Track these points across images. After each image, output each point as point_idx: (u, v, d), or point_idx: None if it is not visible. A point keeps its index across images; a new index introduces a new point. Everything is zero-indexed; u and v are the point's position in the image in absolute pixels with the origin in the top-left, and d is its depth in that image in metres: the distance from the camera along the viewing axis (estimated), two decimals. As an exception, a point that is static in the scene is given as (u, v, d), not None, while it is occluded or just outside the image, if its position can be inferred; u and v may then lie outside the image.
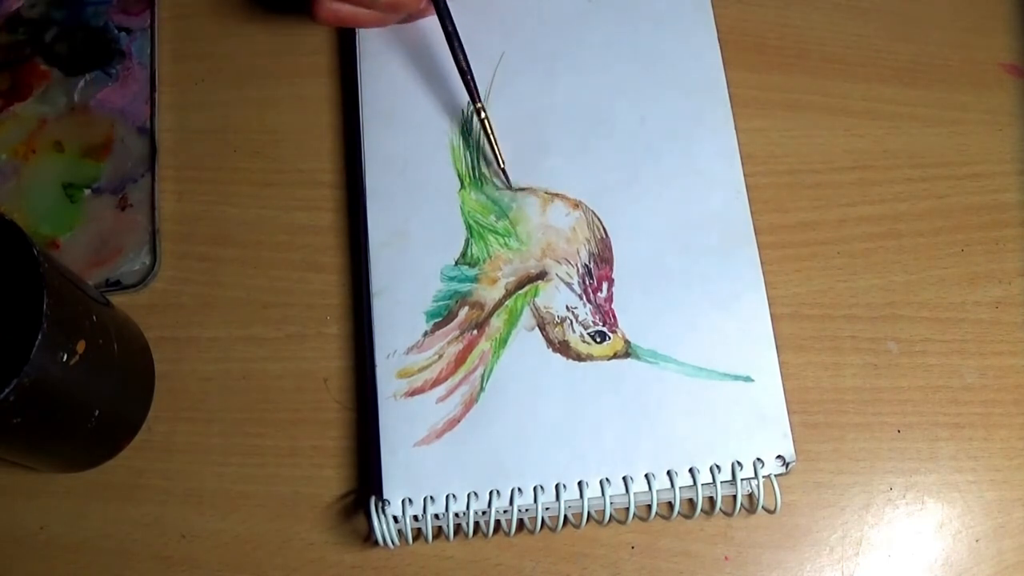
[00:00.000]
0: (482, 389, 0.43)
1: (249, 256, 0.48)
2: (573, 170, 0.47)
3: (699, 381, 0.43)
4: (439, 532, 0.42)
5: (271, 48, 0.51)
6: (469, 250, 0.46)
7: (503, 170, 0.46)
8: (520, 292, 0.45)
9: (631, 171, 0.47)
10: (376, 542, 0.41)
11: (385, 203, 0.46)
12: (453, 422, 0.43)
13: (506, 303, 0.45)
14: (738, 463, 0.42)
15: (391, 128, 0.48)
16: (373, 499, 0.41)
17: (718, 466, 0.42)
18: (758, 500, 0.42)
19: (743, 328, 0.44)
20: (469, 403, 0.43)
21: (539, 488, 0.42)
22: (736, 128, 0.47)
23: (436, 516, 0.42)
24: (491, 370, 0.44)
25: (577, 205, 0.46)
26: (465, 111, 0.48)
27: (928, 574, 0.43)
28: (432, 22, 0.47)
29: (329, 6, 0.46)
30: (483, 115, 0.46)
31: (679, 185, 0.46)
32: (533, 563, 0.43)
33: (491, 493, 0.42)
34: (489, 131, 0.46)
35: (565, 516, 0.42)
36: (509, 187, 0.46)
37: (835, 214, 0.48)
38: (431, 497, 0.42)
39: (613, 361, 0.44)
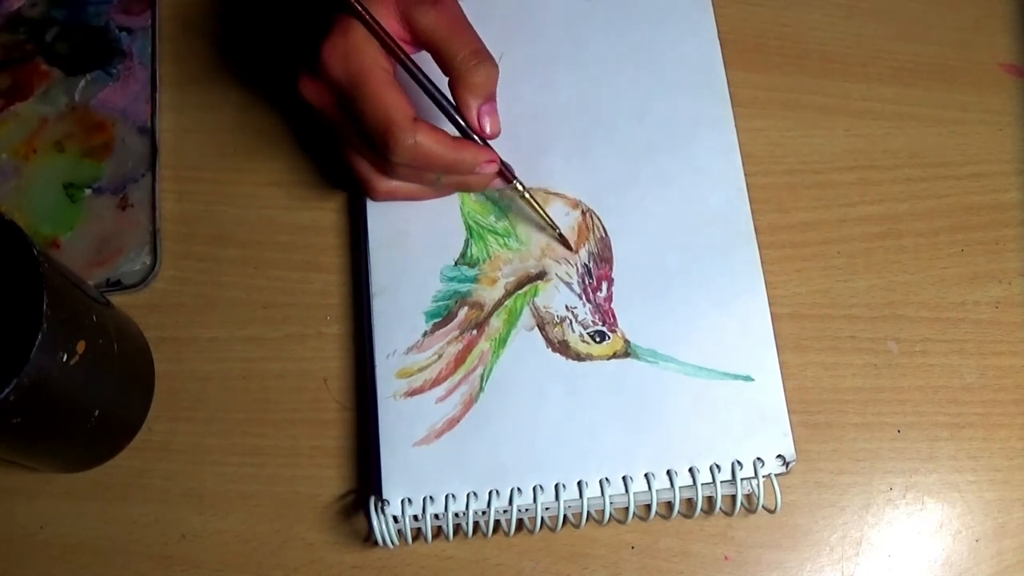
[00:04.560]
0: (481, 389, 0.43)
1: (249, 256, 0.48)
2: (573, 170, 0.47)
3: (699, 381, 0.43)
4: (439, 532, 0.42)
5: (272, 48, 0.51)
6: (469, 250, 0.46)
7: (560, 235, 0.45)
8: (520, 292, 0.45)
9: (631, 171, 0.47)
10: (376, 542, 0.41)
11: (385, 203, 0.46)
12: (453, 422, 0.43)
13: (506, 303, 0.45)
14: (738, 463, 0.42)
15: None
16: (373, 499, 0.42)
17: (718, 466, 0.42)
18: (758, 500, 0.42)
19: (743, 328, 0.44)
20: (468, 403, 0.43)
21: (539, 488, 0.42)
22: (736, 128, 0.47)
23: (436, 516, 0.42)
24: (491, 370, 0.44)
25: (577, 205, 0.46)
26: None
27: (928, 574, 0.43)
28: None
29: (385, 187, 0.44)
30: (524, 192, 0.44)
31: (679, 185, 0.46)
32: (533, 563, 0.43)
33: (491, 493, 0.42)
34: (536, 205, 0.45)
35: (565, 516, 0.42)
36: (571, 249, 0.45)
37: (835, 214, 0.48)
38: (431, 497, 0.42)
39: (613, 361, 0.44)
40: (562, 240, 0.45)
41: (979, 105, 0.50)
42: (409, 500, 0.42)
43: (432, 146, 0.41)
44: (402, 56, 0.41)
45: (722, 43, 0.49)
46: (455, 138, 0.42)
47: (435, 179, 0.44)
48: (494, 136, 0.43)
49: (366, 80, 0.40)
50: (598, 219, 0.46)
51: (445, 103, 0.42)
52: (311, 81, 0.42)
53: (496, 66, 0.42)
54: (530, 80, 0.48)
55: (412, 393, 0.43)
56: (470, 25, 0.42)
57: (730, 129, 0.48)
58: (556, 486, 0.42)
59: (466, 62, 0.41)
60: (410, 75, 0.41)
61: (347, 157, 0.44)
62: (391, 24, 0.41)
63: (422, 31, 0.41)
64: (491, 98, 0.42)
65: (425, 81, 0.41)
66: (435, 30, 0.41)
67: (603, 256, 0.45)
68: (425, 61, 0.42)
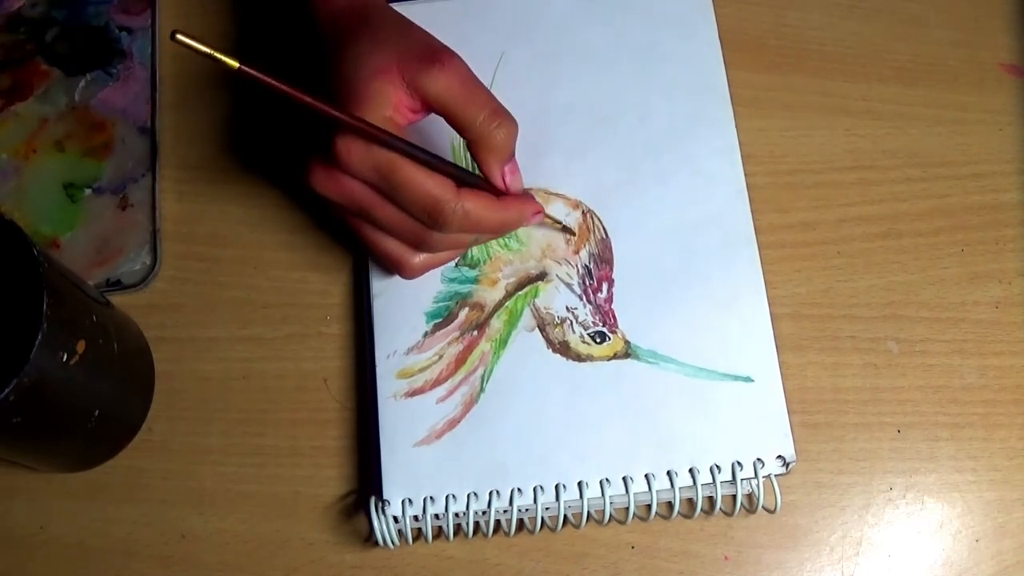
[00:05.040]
0: (482, 390, 0.43)
1: (249, 256, 0.48)
2: (573, 170, 0.47)
3: (699, 381, 0.43)
4: (439, 532, 0.42)
5: (272, 47, 0.51)
6: (469, 251, 0.46)
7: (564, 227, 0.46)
8: (520, 293, 0.45)
9: (631, 171, 0.47)
10: (376, 542, 0.41)
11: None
12: (453, 422, 0.43)
13: (506, 304, 0.45)
14: (738, 463, 0.42)
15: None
16: (373, 499, 0.42)
17: (718, 466, 0.42)
18: (758, 500, 0.42)
19: (743, 328, 0.44)
20: (469, 404, 0.43)
21: (539, 488, 0.42)
22: (736, 128, 0.47)
23: (436, 516, 0.42)
24: (491, 371, 0.44)
25: (577, 205, 0.46)
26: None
27: (928, 574, 0.43)
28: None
29: (419, 263, 0.42)
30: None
31: (679, 185, 0.46)
32: (533, 563, 0.43)
33: (491, 493, 0.42)
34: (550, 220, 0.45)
35: (565, 516, 0.42)
36: (572, 233, 0.46)
37: (835, 214, 0.48)
38: (431, 497, 0.42)
39: (613, 361, 0.44)
40: (566, 230, 0.46)
41: (979, 105, 0.50)
42: (410, 500, 0.42)
43: (481, 211, 0.40)
44: (419, 155, 0.39)
45: (722, 43, 0.49)
46: (499, 198, 0.41)
47: (473, 240, 0.43)
48: (519, 192, 0.42)
49: (398, 167, 0.38)
50: (598, 220, 0.46)
51: (465, 176, 0.40)
52: (329, 173, 0.39)
53: (515, 122, 0.41)
54: (530, 80, 0.48)
55: (413, 393, 0.43)
56: (480, 84, 0.40)
57: (730, 129, 0.48)
58: (556, 486, 0.42)
59: (486, 125, 0.39)
60: (422, 163, 0.39)
61: (371, 241, 0.42)
62: (398, 95, 0.39)
63: (433, 98, 0.39)
64: (512, 157, 0.41)
65: (441, 164, 0.39)
66: (447, 96, 0.39)
67: (603, 257, 0.45)
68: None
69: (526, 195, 0.43)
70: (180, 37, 0.32)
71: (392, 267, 0.43)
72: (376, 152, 0.38)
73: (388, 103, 0.39)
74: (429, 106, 0.40)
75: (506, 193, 0.42)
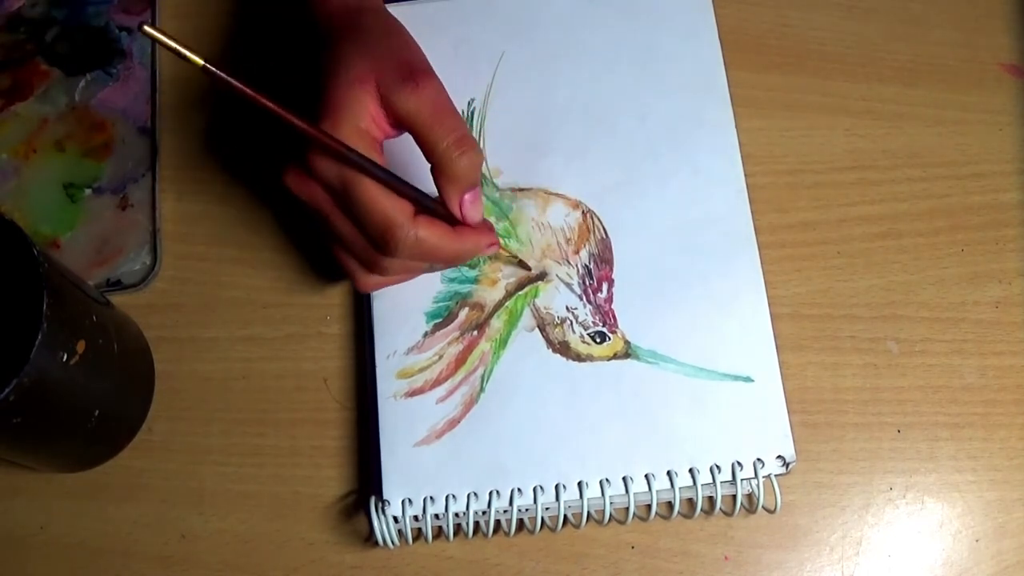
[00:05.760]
0: (482, 390, 0.43)
1: (249, 256, 0.48)
2: (573, 170, 0.47)
3: (699, 381, 0.43)
4: (439, 532, 0.42)
5: (272, 46, 0.51)
6: (469, 250, 0.46)
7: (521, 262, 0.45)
8: (520, 293, 0.45)
9: (631, 171, 0.47)
10: (376, 542, 0.41)
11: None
12: (453, 422, 0.43)
13: (506, 304, 0.45)
14: (738, 463, 0.42)
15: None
16: (373, 499, 0.42)
17: (718, 466, 0.42)
18: (758, 500, 0.42)
19: (743, 328, 0.44)
20: (469, 403, 0.43)
21: (539, 488, 0.42)
22: (736, 128, 0.47)
23: (436, 516, 0.42)
24: (491, 371, 0.44)
25: (577, 205, 0.46)
26: (465, 111, 0.48)
27: (928, 574, 0.43)
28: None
29: (373, 282, 0.42)
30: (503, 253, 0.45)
31: (679, 185, 0.46)
32: (533, 563, 0.43)
33: (491, 493, 0.42)
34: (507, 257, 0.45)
35: (565, 516, 0.42)
36: (528, 268, 0.45)
37: (835, 214, 0.48)
38: (431, 497, 0.42)
39: (613, 361, 0.44)
40: (522, 265, 0.45)
41: (979, 105, 0.50)
42: (410, 500, 0.42)
43: (435, 240, 0.39)
44: (377, 173, 0.38)
45: (722, 43, 0.49)
46: (454, 228, 0.41)
47: (427, 267, 0.43)
48: (476, 223, 0.41)
49: (357, 183, 0.38)
50: (598, 220, 0.46)
51: (426, 201, 0.40)
52: (300, 177, 0.40)
53: (480, 153, 0.40)
54: (530, 80, 0.48)
55: (412, 393, 0.43)
56: (453, 109, 0.39)
57: (730, 129, 0.47)
58: (556, 486, 0.42)
59: (448, 152, 0.38)
60: (387, 186, 0.39)
61: (334, 251, 0.42)
62: (375, 107, 0.39)
63: (403, 116, 0.38)
64: (474, 186, 0.40)
65: (401, 186, 0.39)
66: (416, 116, 0.38)
67: (603, 257, 0.45)
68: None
69: (484, 225, 0.42)
70: (147, 29, 0.31)
71: (349, 279, 0.43)
72: (343, 164, 0.38)
73: (365, 113, 0.38)
74: (399, 123, 0.39)
75: (463, 222, 0.41)
